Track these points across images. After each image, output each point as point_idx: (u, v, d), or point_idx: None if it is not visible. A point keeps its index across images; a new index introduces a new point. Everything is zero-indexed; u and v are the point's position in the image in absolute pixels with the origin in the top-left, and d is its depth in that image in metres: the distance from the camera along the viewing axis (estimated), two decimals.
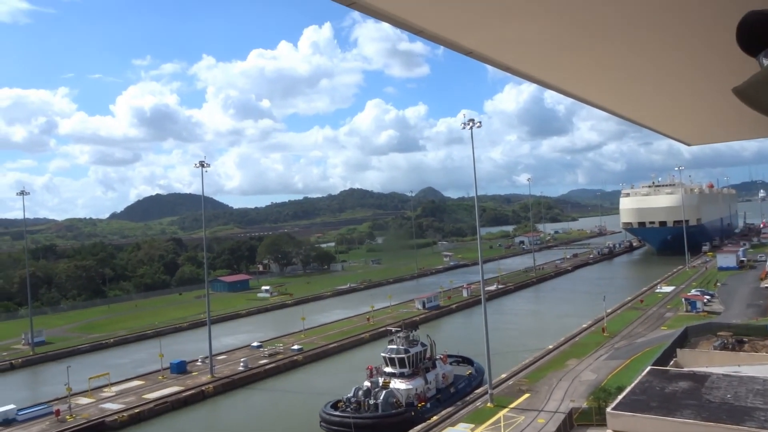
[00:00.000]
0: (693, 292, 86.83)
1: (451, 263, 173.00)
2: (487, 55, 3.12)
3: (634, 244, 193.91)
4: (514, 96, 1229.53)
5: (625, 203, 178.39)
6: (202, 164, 71.71)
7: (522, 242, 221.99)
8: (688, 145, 8.36)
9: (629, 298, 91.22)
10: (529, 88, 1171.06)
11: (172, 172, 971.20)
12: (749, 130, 7.00)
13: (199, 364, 67.67)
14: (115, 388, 60.03)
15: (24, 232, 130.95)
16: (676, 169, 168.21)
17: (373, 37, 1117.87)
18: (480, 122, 54.80)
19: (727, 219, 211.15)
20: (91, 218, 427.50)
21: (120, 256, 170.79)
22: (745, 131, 7.41)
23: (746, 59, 2.06)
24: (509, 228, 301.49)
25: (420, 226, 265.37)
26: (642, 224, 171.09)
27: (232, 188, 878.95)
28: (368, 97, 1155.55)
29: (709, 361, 41.88)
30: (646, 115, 5.73)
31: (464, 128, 54.70)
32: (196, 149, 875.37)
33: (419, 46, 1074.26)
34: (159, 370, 64.95)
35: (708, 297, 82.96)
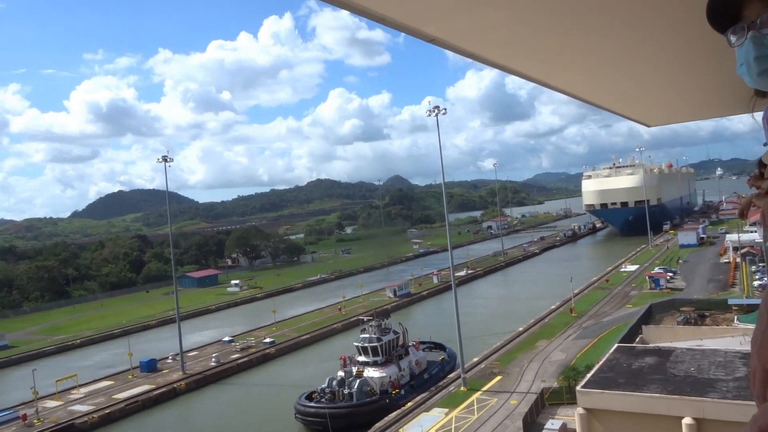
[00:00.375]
0: (656, 269, 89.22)
1: (421, 250, 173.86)
2: (451, 42, 3.11)
3: (598, 225, 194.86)
4: (475, 82, 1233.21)
5: (587, 185, 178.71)
6: (165, 159, 70.46)
7: (490, 227, 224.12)
8: (648, 126, 8.51)
9: (595, 278, 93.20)
10: (490, 74, 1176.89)
11: (133, 168, 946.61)
12: (706, 110, 7.17)
13: (169, 361, 66.79)
14: (83, 390, 58.87)
15: None
16: (637, 149, 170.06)
17: (331, 26, 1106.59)
18: (445, 109, 55.10)
19: (687, 197, 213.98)
20: (51, 218, 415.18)
21: (83, 256, 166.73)
22: (702, 111, 7.58)
23: (706, 39, 2.08)
24: (477, 213, 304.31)
25: (389, 214, 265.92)
26: (604, 206, 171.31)
27: (196, 182, 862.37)
28: (331, 86, 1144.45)
29: (673, 336, 43.16)
30: (607, 98, 5.81)
31: (429, 115, 54.88)
32: (156, 144, 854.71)
33: (379, 34, 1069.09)
34: (129, 370, 63.93)
35: (671, 274, 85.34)
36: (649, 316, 60.28)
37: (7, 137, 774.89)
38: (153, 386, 58.62)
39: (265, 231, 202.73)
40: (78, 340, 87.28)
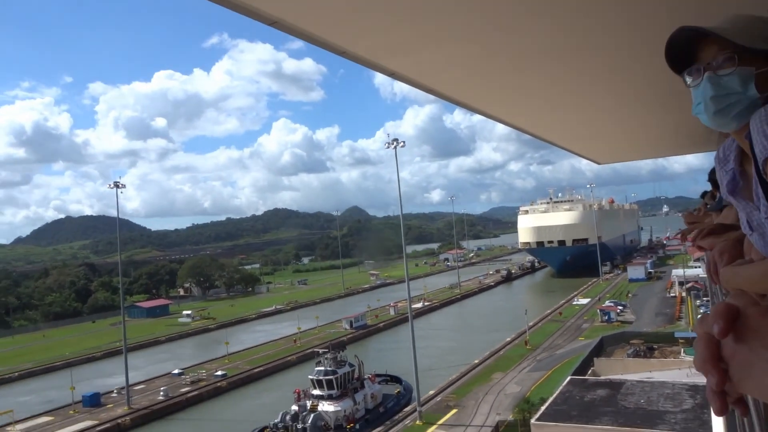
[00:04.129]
0: (607, 303, 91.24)
1: (378, 282, 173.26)
2: (410, 77, 3.18)
3: (537, 264, 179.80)
4: (413, 118, 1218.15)
5: (523, 221, 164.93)
6: (117, 185, 68.88)
7: (446, 259, 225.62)
8: (598, 163, 8.79)
9: (549, 311, 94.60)
10: (426, 110, 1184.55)
11: (72, 194, 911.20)
12: (655, 149, 7.47)
13: (114, 395, 64.02)
14: (20, 426, 55.64)
15: None
16: (588, 186, 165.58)
17: (261, 59, 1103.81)
18: (404, 142, 55.81)
19: (631, 235, 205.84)
20: None
21: (26, 284, 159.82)
22: (651, 150, 7.90)
23: (654, 83, 2.21)
24: (434, 245, 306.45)
25: (346, 245, 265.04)
26: (540, 244, 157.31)
27: (146, 212, 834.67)
28: (272, 120, 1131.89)
29: (623, 369, 44.05)
30: (559, 135, 5.99)
31: (389, 147, 55.49)
32: (90, 170, 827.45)
33: (310, 67, 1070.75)
34: (70, 404, 60.89)
35: (621, 307, 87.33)
36: (600, 349, 61.34)
37: None
38: (96, 422, 55.87)
39: (219, 260, 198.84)
40: (16, 373, 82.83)
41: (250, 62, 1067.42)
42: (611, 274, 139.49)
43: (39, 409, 62.31)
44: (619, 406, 28.98)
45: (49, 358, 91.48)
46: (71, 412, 59.49)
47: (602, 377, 38.28)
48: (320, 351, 54.51)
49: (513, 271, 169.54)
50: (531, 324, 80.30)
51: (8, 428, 55.25)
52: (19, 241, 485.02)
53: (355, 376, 52.24)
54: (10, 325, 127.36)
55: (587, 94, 3.80)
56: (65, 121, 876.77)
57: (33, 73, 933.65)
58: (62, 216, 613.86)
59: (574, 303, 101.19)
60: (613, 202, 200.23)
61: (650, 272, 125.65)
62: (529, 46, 2.77)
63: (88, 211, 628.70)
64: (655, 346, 59.83)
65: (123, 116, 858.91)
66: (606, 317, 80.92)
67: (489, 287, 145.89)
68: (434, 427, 45.10)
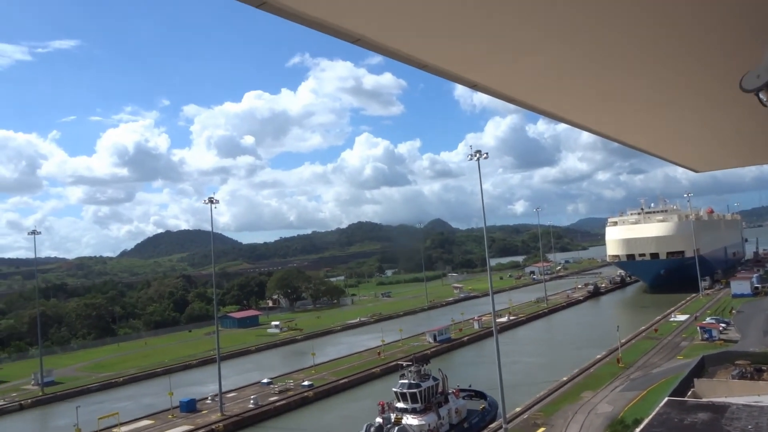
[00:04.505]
0: (708, 320, 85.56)
1: (461, 295, 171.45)
2: (492, 88, 3.17)
3: (627, 279, 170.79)
4: (493, 129, 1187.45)
5: (612, 233, 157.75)
6: (211, 200, 72.32)
7: (532, 272, 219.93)
8: (696, 171, 8.32)
9: (643, 328, 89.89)
10: (507, 122, 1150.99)
11: (171, 210, 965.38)
12: (756, 155, 6.99)
13: (209, 402, 66.94)
14: (124, 428, 59.33)
15: (35, 272, 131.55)
16: (684, 195, 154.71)
17: (341, 76, 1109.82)
18: (487, 154, 55.07)
19: (734, 248, 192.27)
20: (101, 256, 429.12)
21: (130, 294, 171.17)
22: (753, 156, 7.40)
23: None
24: (519, 258, 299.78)
25: (429, 258, 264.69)
26: (631, 257, 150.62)
27: (237, 225, 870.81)
28: (357, 134, 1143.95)
29: (727, 391, 41.00)
30: (652, 143, 5.74)
31: (471, 159, 54.99)
32: (189, 187, 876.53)
33: (390, 81, 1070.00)
34: (169, 409, 64.27)
35: (723, 325, 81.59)
36: (701, 369, 57.43)
37: (46, 180, 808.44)
38: (192, 427, 58.63)
39: (306, 273, 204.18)
40: (121, 378, 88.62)
41: (331, 80, 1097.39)
42: (712, 289, 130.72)
43: (141, 412, 66.18)
44: None
45: (150, 364, 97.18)
46: (170, 416, 62.74)
47: (704, 399, 35.82)
48: (404, 364, 54.45)
49: (603, 286, 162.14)
50: (623, 341, 76.56)
51: (114, 429, 59.03)
52: (124, 254, 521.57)
53: (439, 390, 51.74)
54: (116, 333, 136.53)
55: (681, 98, 3.63)
56: (164, 141, 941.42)
57: (135, 98, 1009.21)
58: (161, 230, 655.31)
59: (671, 319, 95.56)
60: (712, 212, 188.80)
61: (757, 287, 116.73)
62: (621, 50, 2.70)
63: (184, 226, 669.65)
64: (764, 368, 55.26)
65: (215, 135, 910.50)
66: (707, 335, 75.80)
67: (577, 302, 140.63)
68: None
